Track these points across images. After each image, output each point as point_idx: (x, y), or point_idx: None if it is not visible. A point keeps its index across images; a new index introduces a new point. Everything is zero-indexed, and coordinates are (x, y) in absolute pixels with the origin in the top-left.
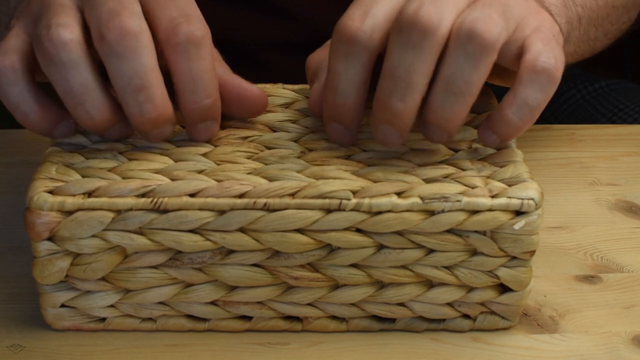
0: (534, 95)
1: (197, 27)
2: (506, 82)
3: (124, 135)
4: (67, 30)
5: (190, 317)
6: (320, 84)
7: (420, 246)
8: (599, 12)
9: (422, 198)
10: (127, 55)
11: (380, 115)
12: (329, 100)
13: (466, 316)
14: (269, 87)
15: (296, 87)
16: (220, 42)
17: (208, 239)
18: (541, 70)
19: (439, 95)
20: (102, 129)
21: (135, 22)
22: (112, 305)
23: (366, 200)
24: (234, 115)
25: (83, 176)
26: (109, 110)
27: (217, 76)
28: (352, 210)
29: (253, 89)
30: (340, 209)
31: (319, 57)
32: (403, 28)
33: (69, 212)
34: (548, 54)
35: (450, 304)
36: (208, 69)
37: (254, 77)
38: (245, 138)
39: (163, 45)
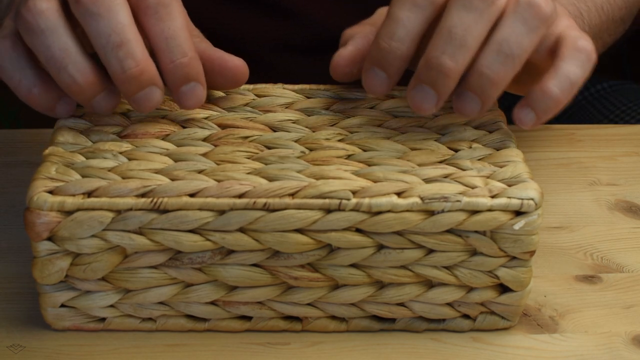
0: (574, 70)
1: None
2: (520, 89)
3: (112, 105)
4: (44, 1)
5: (190, 317)
6: (348, 49)
7: (420, 246)
8: (601, 27)
9: (422, 198)
10: (103, 14)
11: (426, 73)
12: (381, 44)
13: (466, 316)
14: (269, 87)
15: (296, 87)
16: (222, 41)
17: (208, 239)
18: (582, 48)
19: (489, 56)
20: (88, 95)
21: None
22: (112, 305)
23: (366, 200)
24: (218, 87)
25: (83, 176)
26: (91, 72)
27: (199, 50)
28: (352, 210)
29: (234, 60)
30: (340, 209)
31: (354, 29)
32: None
33: (69, 212)
34: (586, 39)
35: (450, 304)
36: (180, 28)
37: (256, 77)
38: (245, 138)
39: (135, 11)
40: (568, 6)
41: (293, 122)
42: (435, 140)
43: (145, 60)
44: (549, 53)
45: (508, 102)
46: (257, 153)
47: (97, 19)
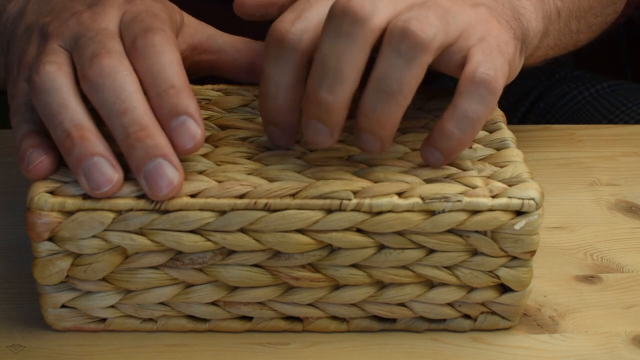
0: (473, 107)
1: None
2: None
3: (107, 175)
4: (53, 64)
5: (190, 317)
6: None
7: (420, 246)
8: (580, 4)
9: (422, 198)
10: (108, 84)
11: (310, 109)
12: (262, 103)
13: (467, 316)
14: None
15: None
16: None
17: (209, 240)
18: (480, 82)
19: (371, 95)
20: (80, 152)
21: (114, 58)
22: (112, 306)
23: (367, 201)
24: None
25: None
26: (88, 130)
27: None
28: (352, 210)
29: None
30: (340, 209)
31: None
32: (335, 16)
33: (70, 213)
34: (487, 65)
35: (450, 304)
36: (168, 63)
37: (254, 78)
38: (245, 139)
39: (130, 58)
40: None
41: None
42: None
43: (152, 126)
44: (461, 67)
45: (508, 103)
46: (257, 154)
47: (102, 91)
